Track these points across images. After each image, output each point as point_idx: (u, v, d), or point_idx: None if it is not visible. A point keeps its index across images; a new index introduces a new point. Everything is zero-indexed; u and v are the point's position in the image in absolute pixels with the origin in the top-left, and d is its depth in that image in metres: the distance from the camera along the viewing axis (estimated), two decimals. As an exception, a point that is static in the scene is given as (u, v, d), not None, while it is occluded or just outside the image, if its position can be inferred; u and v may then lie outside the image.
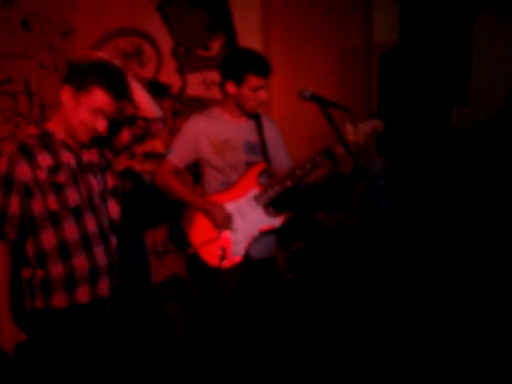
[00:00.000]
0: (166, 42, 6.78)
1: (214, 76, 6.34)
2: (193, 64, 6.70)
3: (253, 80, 3.05)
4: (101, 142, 2.48)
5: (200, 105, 6.34)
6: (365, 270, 4.64)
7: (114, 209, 2.51)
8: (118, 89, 2.31)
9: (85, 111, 2.29)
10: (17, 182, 2.29)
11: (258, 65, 3.06)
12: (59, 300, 2.35)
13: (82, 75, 2.28)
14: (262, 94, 3.11)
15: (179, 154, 3.19)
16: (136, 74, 6.91)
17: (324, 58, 5.90)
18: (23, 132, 2.47)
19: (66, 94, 2.31)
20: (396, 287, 4.32)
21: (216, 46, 6.54)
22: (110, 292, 2.46)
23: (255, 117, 3.27)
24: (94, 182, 2.45)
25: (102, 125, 2.32)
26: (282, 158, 3.34)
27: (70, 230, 2.35)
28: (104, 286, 2.44)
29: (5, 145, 2.35)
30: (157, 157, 5.43)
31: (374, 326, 4.10)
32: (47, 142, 2.36)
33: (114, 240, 2.47)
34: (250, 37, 5.98)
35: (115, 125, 2.52)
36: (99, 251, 2.41)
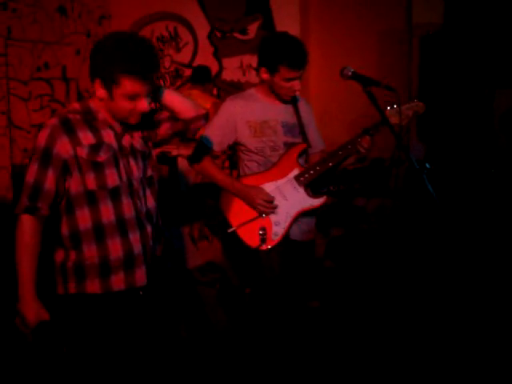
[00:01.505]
0: (202, 26, 6.75)
1: (251, 60, 6.28)
2: (229, 48, 6.64)
3: (285, 72, 2.97)
4: (141, 127, 2.41)
5: (236, 89, 6.27)
6: (404, 257, 4.54)
7: (150, 198, 2.45)
8: (144, 68, 2.21)
9: (122, 100, 2.24)
10: (55, 157, 2.23)
11: (292, 57, 2.95)
12: (92, 286, 2.29)
13: (107, 66, 2.20)
14: (296, 84, 3.03)
15: (216, 139, 3.13)
16: (173, 60, 6.99)
17: (363, 40, 5.79)
18: (67, 107, 2.40)
19: (100, 89, 2.24)
20: (438, 275, 4.21)
21: (253, 29, 6.45)
22: (147, 281, 2.37)
23: (291, 98, 3.19)
24: (135, 166, 2.38)
25: (143, 105, 2.26)
26: (316, 140, 3.28)
27: (106, 212, 2.29)
28: (140, 275, 2.34)
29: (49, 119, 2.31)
30: (193, 141, 5.40)
31: (415, 316, 4.00)
32: (89, 119, 2.31)
33: (149, 228, 2.40)
34: (287, 19, 5.88)
35: (152, 115, 2.47)
36: (135, 238, 2.34)
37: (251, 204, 3.05)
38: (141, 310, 2.39)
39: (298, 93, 3.08)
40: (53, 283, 2.36)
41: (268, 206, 3.04)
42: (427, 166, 2.58)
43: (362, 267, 4.73)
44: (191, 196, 5.24)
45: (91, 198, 2.27)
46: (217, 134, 3.12)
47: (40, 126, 2.30)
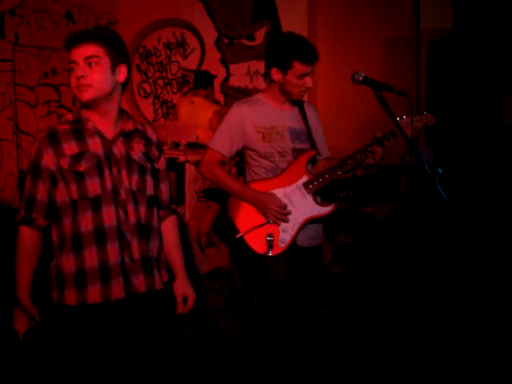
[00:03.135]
0: (209, 32, 6.77)
1: (258, 66, 6.28)
2: (236, 54, 6.64)
3: (298, 67, 2.95)
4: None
5: (244, 95, 6.27)
6: (413, 263, 4.50)
7: (144, 214, 2.41)
8: (75, 37, 2.28)
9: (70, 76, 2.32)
10: (43, 169, 2.31)
11: (304, 51, 2.94)
12: (69, 297, 2.29)
13: None
14: (308, 81, 3.02)
15: (225, 144, 3.10)
16: (180, 66, 6.99)
17: (371, 46, 5.78)
18: (63, 117, 2.45)
19: None
20: (448, 281, 4.18)
21: (260, 36, 6.46)
22: (126, 294, 2.32)
23: (299, 103, 3.18)
24: (126, 176, 2.36)
25: (76, 75, 2.26)
26: (322, 146, 3.25)
27: (85, 221, 2.28)
28: (117, 288, 2.30)
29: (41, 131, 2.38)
30: (200, 147, 5.40)
31: (423, 323, 3.97)
32: (78, 128, 2.34)
33: (134, 240, 2.36)
34: (294, 24, 5.86)
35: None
36: (112, 248, 2.30)
37: (263, 211, 3.03)
38: (121, 323, 2.36)
39: (310, 85, 3.04)
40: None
41: (281, 212, 3.01)
42: (439, 171, 2.56)
43: (370, 274, 4.69)
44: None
45: (74, 208, 2.30)
46: (226, 139, 3.09)
47: None
